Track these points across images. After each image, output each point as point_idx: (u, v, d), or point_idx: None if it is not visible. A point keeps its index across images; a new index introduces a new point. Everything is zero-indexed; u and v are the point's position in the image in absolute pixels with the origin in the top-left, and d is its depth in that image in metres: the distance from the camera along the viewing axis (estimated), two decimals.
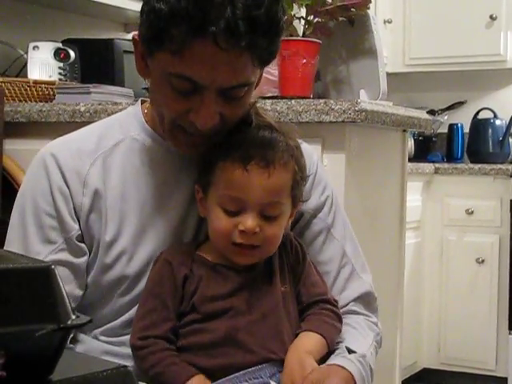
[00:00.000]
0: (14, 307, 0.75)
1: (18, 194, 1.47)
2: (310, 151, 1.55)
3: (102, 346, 1.41)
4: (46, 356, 0.78)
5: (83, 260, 1.42)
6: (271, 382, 1.32)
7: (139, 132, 1.46)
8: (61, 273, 1.38)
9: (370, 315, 1.52)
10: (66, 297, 0.78)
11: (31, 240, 1.41)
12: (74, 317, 0.78)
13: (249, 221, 1.33)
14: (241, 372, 1.31)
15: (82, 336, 1.43)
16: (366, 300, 1.53)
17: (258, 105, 1.43)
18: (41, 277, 0.77)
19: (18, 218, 1.44)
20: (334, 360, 1.37)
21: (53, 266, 0.79)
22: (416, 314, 4.07)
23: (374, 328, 1.51)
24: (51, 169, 1.41)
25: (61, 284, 0.79)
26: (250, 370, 1.32)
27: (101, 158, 1.43)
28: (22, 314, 0.75)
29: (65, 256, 1.40)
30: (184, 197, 1.43)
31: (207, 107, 1.29)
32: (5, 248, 1.44)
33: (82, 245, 1.42)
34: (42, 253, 1.39)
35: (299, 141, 1.53)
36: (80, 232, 1.41)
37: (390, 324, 2.48)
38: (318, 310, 1.41)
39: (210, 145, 1.36)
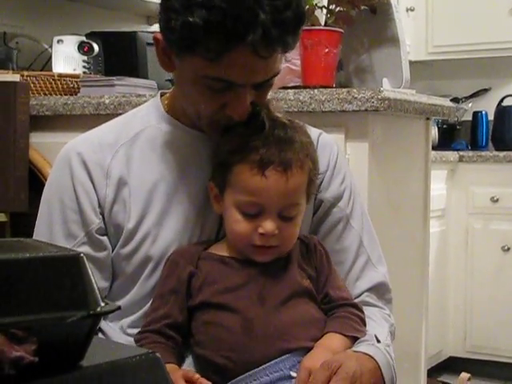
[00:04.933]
0: (44, 295, 0.76)
1: (44, 191, 1.51)
2: (331, 141, 1.56)
3: (125, 339, 1.42)
4: (77, 342, 0.79)
5: (105, 253, 1.44)
6: (291, 373, 1.32)
7: (160, 121, 1.48)
8: None
9: (383, 307, 1.53)
10: (95, 285, 0.80)
11: (56, 235, 1.44)
12: (103, 304, 0.79)
13: (268, 224, 1.34)
14: (260, 367, 1.31)
15: (106, 328, 1.45)
16: (380, 291, 1.53)
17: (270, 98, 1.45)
18: (70, 265, 0.79)
19: (44, 214, 1.48)
20: (361, 347, 1.37)
21: (82, 255, 0.80)
22: (442, 302, 4.07)
23: (388, 319, 1.52)
24: (74, 164, 1.44)
25: (90, 272, 0.80)
26: (269, 364, 1.32)
27: (122, 149, 1.46)
28: (53, 302, 0.76)
29: (86, 250, 1.42)
30: (206, 180, 1.44)
31: (243, 101, 1.33)
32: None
33: (103, 238, 1.44)
34: (65, 247, 1.42)
35: (319, 130, 1.55)
36: (102, 225, 1.44)
37: (415, 313, 2.48)
38: (344, 313, 1.41)
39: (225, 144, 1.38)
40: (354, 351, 1.35)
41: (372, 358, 1.34)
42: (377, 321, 1.47)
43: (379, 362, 1.34)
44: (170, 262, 1.41)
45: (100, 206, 1.43)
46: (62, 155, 1.48)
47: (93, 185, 1.43)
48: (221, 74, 1.29)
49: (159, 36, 1.36)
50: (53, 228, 1.45)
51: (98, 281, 1.39)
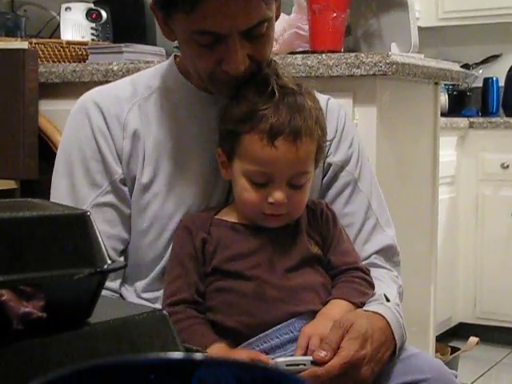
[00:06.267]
0: (52, 252, 0.77)
1: (60, 144, 1.50)
2: (339, 106, 1.56)
3: (141, 303, 1.42)
4: (84, 299, 0.80)
5: (127, 204, 1.44)
6: None
7: (174, 82, 1.49)
8: (108, 215, 1.44)
9: (391, 269, 1.53)
10: (101, 242, 0.81)
11: (79, 185, 1.44)
12: (109, 261, 0.80)
13: (277, 194, 1.34)
14: (271, 329, 1.33)
15: (124, 293, 1.47)
16: (389, 253, 1.54)
17: (276, 62, 1.43)
18: (77, 223, 0.80)
19: (63, 167, 1.46)
20: (370, 306, 1.39)
21: (88, 213, 0.81)
22: (452, 268, 4.07)
23: (396, 280, 1.52)
24: (92, 114, 1.44)
25: (96, 230, 0.81)
26: (279, 326, 1.33)
27: (138, 104, 1.46)
28: (61, 259, 0.77)
29: (111, 199, 1.43)
30: (217, 143, 1.44)
31: (235, 53, 1.32)
32: (51, 195, 1.47)
33: (125, 188, 1.44)
34: (90, 196, 1.42)
35: (327, 96, 1.54)
36: (123, 176, 1.44)
37: (424, 279, 2.49)
38: (349, 277, 1.42)
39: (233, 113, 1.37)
40: (365, 310, 1.37)
41: (382, 316, 1.35)
42: (385, 282, 1.48)
43: (389, 321, 1.36)
44: (182, 228, 1.41)
45: (118, 156, 1.44)
46: (78, 106, 1.48)
47: (111, 135, 1.44)
48: (202, 25, 1.29)
49: (152, 4, 1.38)
50: (74, 179, 1.44)
51: (120, 231, 1.42)
